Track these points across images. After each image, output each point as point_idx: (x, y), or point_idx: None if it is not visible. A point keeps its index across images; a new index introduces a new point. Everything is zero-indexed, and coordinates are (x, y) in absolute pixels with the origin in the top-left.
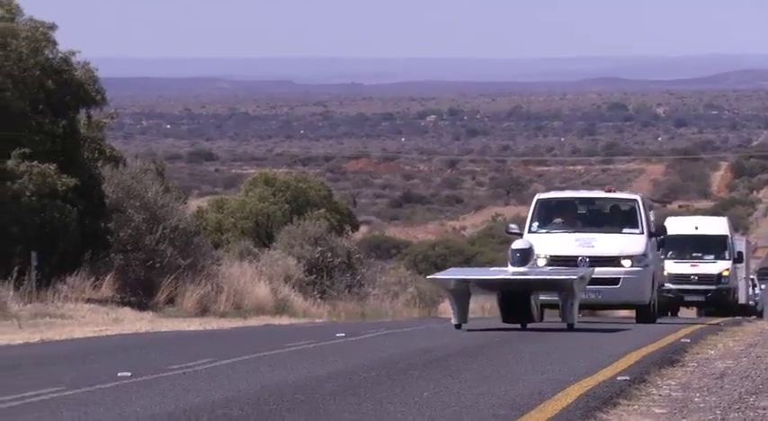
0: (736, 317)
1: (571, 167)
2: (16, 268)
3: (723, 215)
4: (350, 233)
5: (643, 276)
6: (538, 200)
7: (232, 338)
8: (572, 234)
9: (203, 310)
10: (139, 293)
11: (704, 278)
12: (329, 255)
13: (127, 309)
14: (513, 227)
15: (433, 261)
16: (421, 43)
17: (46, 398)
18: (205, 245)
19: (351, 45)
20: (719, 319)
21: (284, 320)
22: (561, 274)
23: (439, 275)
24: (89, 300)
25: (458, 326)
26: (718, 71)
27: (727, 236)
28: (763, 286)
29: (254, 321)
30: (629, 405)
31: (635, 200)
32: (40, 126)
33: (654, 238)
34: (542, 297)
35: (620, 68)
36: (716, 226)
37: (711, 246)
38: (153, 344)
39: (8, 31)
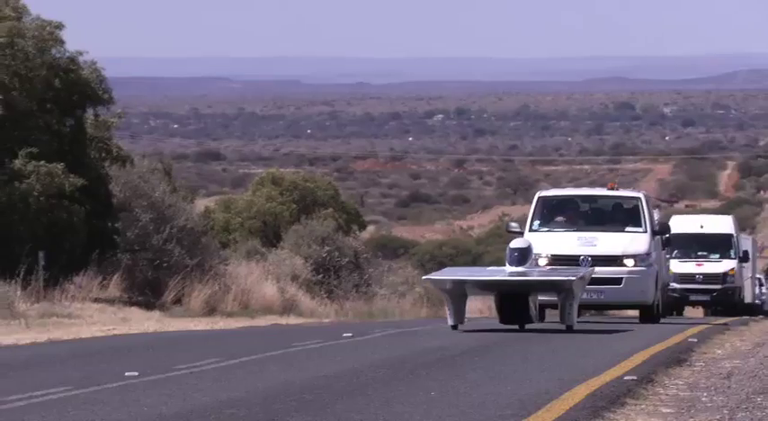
0: (743, 317)
1: (578, 167)
2: (24, 268)
3: (729, 214)
4: (357, 233)
5: (646, 276)
6: (539, 197)
7: (239, 338)
8: (574, 233)
9: (211, 310)
10: (147, 293)
11: (710, 277)
12: (336, 254)
13: (134, 309)
14: (514, 225)
15: (441, 260)
16: (428, 43)
17: (54, 397)
18: (212, 244)
19: (358, 45)
20: (726, 319)
21: (291, 320)
22: (560, 275)
23: (435, 276)
24: (96, 300)
25: (454, 327)
26: (725, 71)
27: (732, 234)
28: None
29: (261, 321)
30: (636, 404)
31: (638, 198)
32: (48, 125)
33: (658, 237)
34: (541, 297)
35: (628, 68)
36: (721, 225)
37: (717, 245)
38: (160, 343)
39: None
